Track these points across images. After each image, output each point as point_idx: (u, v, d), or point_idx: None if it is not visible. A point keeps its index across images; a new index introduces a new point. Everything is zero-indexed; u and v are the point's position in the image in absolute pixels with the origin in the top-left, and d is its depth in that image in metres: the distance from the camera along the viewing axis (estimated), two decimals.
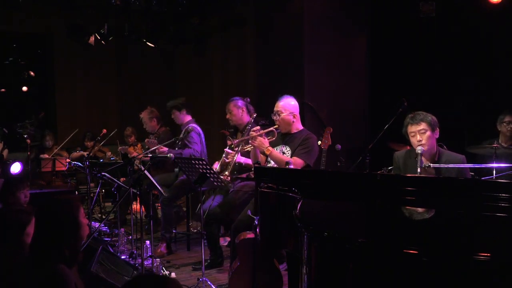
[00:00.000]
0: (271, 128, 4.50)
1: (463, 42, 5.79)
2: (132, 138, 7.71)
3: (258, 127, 4.58)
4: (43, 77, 9.83)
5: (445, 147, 3.96)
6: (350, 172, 4.46)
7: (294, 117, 4.49)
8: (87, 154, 7.24)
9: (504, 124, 4.85)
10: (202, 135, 5.93)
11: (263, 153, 4.37)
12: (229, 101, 5.33)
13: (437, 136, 3.66)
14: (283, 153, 4.48)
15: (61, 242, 2.42)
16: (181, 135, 5.94)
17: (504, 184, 2.68)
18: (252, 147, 4.51)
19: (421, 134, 3.58)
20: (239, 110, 5.24)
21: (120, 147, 7.45)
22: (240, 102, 5.27)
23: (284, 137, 4.56)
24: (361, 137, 6.43)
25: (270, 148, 4.37)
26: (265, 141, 4.39)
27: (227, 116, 5.33)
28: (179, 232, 6.28)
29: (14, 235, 2.90)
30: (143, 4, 7.48)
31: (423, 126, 3.59)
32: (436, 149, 3.66)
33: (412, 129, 3.63)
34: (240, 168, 5.12)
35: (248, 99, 5.39)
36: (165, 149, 5.73)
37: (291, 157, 4.38)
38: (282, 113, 4.47)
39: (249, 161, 4.90)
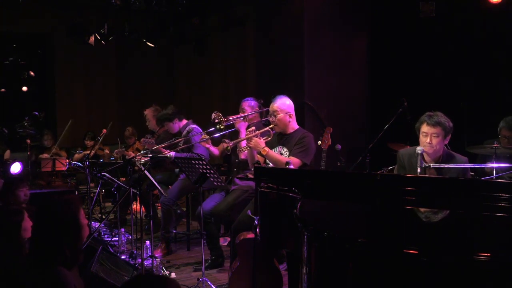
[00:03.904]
0: (267, 128, 4.49)
1: (463, 42, 5.78)
2: (133, 139, 7.71)
3: (253, 128, 4.57)
4: (43, 77, 9.84)
5: (448, 147, 3.95)
6: (350, 172, 4.47)
7: (290, 116, 4.47)
8: (88, 153, 7.24)
9: (500, 137, 4.75)
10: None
11: (260, 154, 4.36)
12: (243, 100, 5.31)
13: (447, 142, 3.62)
14: (281, 154, 4.46)
15: (61, 243, 2.41)
16: (182, 136, 5.93)
17: (504, 184, 2.69)
18: (248, 148, 4.50)
19: (432, 137, 3.52)
20: (253, 111, 5.23)
21: (116, 150, 7.42)
22: (253, 103, 5.28)
23: (281, 138, 4.54)
24: (361, 137, 6.43)
25: (266, 148, 4.34)
26: (261, 142, 4.37)
27: (240, 114, 5.31)
28: (179, 232, 6.28)
29: (12, 234, 2.90)
30: (143, 4, 7.48)
31: (437, 130, 3.51)
32: (442, 152, 3.62)
33: (425, 128, 3.56)
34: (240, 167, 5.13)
35: (262, 101, 5.37)
36: (173, 153, 5.57)
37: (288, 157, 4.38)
38: (279, 113, 4.43)
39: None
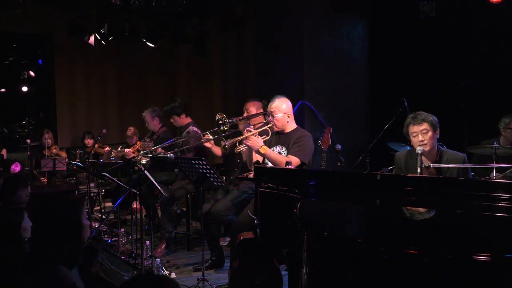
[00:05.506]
0: (265, 127, 4.48)
1: (463, 42, 5.78)
2: (134, 139, 7.70)
3: (252, 126, 4.57)
4: (43, 77, 9.84)
5: (444, 146, 3.97)
6: (350, 172, 4.47)
7: (288, 116, 4.48)
8: (88, 151, 7.23)
9: (510, 130, 4.79)
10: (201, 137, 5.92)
11: (258, 152, 4.35)
12: (248, 101, 5.33)
13: (438, 136, 3.68)
14: (279, 153, 4.45)
15: (62, 243, 2.41)
16: (182, 136, 5.93)
17: (504, 184, 2.68)
18: (246, 147, 4.49)
19: (423, 134, 3.60)
20: (257, 112, 5.23)
21: (115, 151, 7.42)
22: (258, 104, 5.28)
23: (279, 138, 4.54)
24: (361, 137, 6.43)
25: (265, 147, 4.33)
26: (259, 140, 4.35)
27: (245, 115, 5.32)
28: (179, 232, 6.28)
29: (12, 234, 2.90)
30: (143, 4, 7.48)
31: (425, 126, 3.61)
32: (437, 148, 3.67)
33: (413, 129, 3.64)
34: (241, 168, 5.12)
35: (266, 102, 5.37)
36: (171, 154, 5.58)
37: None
38: (276, 113, 4.44)
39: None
